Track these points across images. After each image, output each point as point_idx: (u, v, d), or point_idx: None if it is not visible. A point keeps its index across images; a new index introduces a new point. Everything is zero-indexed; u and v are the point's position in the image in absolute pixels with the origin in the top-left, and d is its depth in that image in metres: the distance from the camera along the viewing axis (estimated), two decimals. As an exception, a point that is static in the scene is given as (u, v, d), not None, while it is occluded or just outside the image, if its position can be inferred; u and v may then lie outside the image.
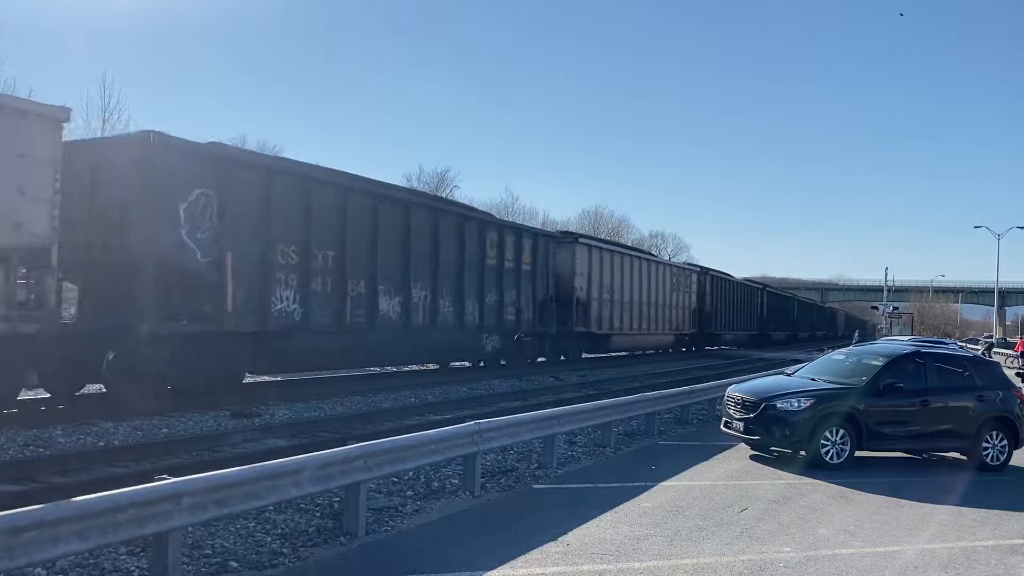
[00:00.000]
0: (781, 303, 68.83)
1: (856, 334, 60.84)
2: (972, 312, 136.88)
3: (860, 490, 9.81)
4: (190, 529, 6.32)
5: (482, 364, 24.82)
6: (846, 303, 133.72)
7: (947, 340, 31.08)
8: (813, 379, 12.44)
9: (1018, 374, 30.07)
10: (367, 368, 21.52)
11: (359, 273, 17.67)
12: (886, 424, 11.55)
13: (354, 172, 20.00)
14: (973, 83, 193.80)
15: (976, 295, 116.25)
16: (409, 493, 8.65)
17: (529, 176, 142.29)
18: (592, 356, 32.36)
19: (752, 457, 11.89)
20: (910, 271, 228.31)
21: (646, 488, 9.37)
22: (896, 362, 12.06)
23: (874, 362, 12.20)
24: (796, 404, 11.38)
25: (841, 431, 11.19)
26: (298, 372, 18.26)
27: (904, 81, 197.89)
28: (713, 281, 46.16)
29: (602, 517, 7.95)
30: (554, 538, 7.11)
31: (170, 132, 13.78)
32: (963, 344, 43.85)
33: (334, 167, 19.97)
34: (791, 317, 72.46)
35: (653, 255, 43.75)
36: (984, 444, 11.83)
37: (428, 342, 20.82)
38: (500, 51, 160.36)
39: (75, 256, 12.56)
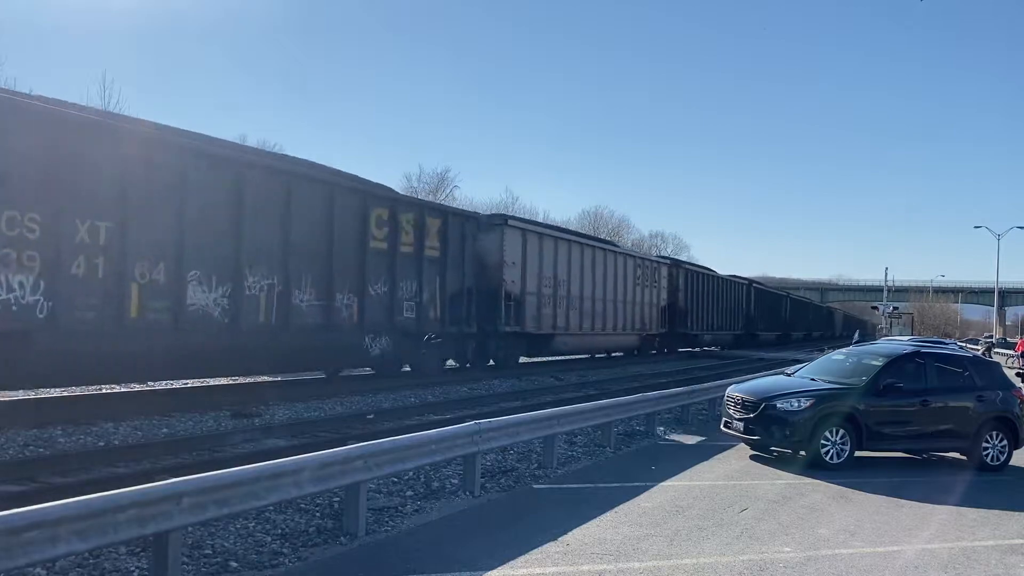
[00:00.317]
0: (771, 301, 64.12)
1: (856, 334, 60.24)
2: (972, 312, 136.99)
3: (860, 490, 9.81)
4: (190, 529, 6.32)
5: (370, 372, 20.21)
6: (846, 303, 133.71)
7: (947, 340, 31.05)
8: (813, 379, 12.44)
9: (1018, 374, 30.07)
10: (181, 380, 16.69)
11: (154, 253, 13.09)
12: (886, 424, 11.55)
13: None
14: (973, 83, 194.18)
15: (976, 295, 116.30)
16: (409, 493, 8.65)
17: (529, 176, 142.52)
18: (534, 361, 28.39)
19: (752, 457, 11.89)
20: (910, 271, 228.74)
21: (646, 488, 9.37)
22: (896, 362, 12.06)
23: (874, 362, 12.20)
24: (796, 404, 11.38)
25: (841, 431, 11.19)
26: (50, 386, 13.77)
27: (904, 81, 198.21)
28: (688, 276, 41.70)
29: (602, 517, 7.95)
30: (554, 538, 7.11)
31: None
32: (963, 344, 43.84)
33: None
34: (782, 316, 67.81)
35: (612, 244, 37.20)
36: (984, 444, 11.83)
37: (275, 345, 15.63)
38: (500, 51, 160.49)
39: None
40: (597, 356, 33.49)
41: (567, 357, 30.95)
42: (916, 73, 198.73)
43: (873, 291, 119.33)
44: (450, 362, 22.97)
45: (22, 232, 11.25)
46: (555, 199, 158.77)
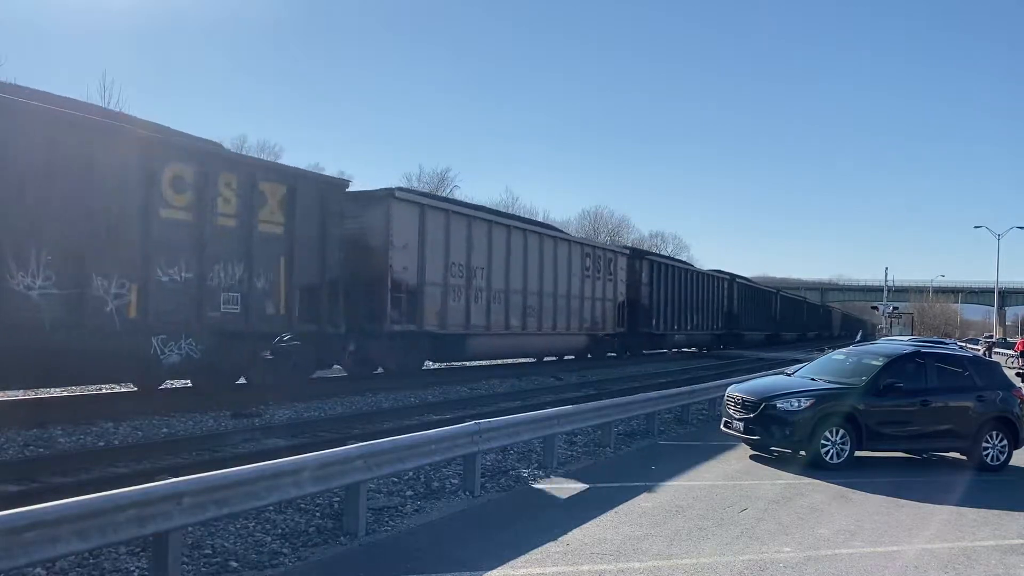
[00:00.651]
0: (758, 298, 58.70)
1: (859, 334, 59.73)
2: (972, 312, 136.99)
3: (860, 490, 9.81)
4: (190, 529, 6.32)
5: (164, 388, 15.65)
6: (846, 303, 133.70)
7: (947, 340, 31.04)
8: (813, 379, 12.44)
9: (1018, 374, 30.07)
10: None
11: None
12: (886, 424, 11.54)
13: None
14: (973, 83, 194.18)
15: (976, 295, 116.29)
16: (409, 493, 8.65)
17: (529, 176, 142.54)
18: (445, 367, 24.07)
19: (752, 457, 11.89)
20: (910, 271, 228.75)
21: (646, 488, 9.37)
22: (896, 362, 12.06)
23: (874, 362, 12.20)
24: (796, 404, 11.38)
25: (841, 431, 11.19)
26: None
27: (904, 81, 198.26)
28: (654, 268, 36.29)
29: (602, 517, 7.95)
30: (554, 538, 7.11)
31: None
32: (963, 344, 43.84)
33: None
34: (772, 315, 62.65)
35: (554, 229, 31.12)
36: (984, 444, 11.82)
37: None
38: (500, 51, 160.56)
39: None
40: (527, 360, 28.95)
41: (494, 362, 26.83)
42: (916, 73, 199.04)
43: (873, 291, 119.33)
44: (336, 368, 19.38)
45: None
46: (555, 199, 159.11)
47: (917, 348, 13.14)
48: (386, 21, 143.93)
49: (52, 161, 11.62)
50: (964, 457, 12.07)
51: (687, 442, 13.38)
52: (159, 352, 13.51)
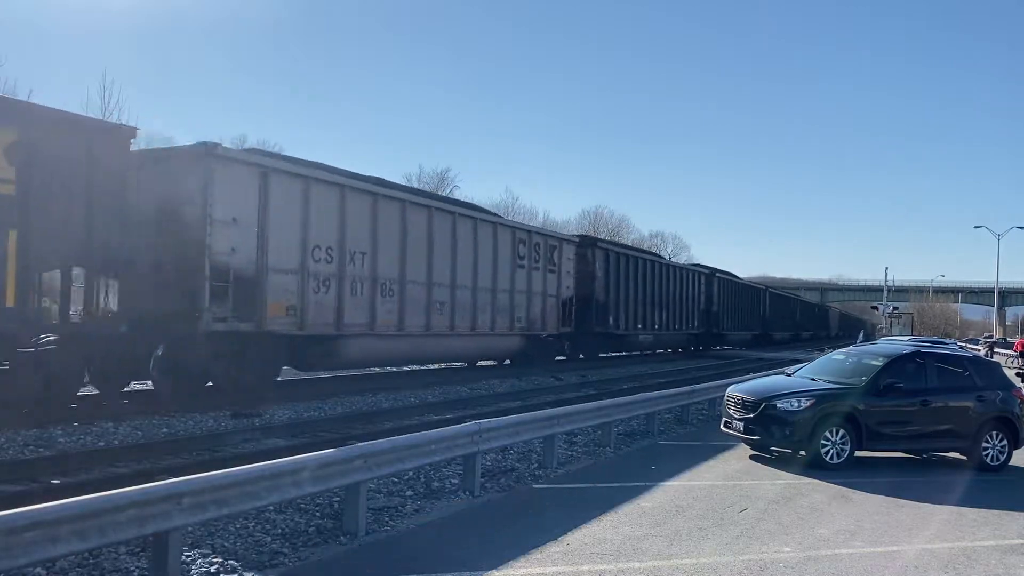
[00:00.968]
0: (744, 296, 53.47)
1: (860, 335, 59.20)
2: (972, 312, 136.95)
3: (860, 490, 9.81)
4: (190, 529, 6.32)
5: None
6: (846, 303, 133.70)
7: (947, 340, 31.03)
8: (813, 379, 12.44)
9: (1018, 374, 30.07)
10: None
11: None
12: (886, 424, 11.54)
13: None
14: (973, 83, 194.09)
15: (976, 295, 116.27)
16: (409, 493, 8.65)
17: (529, 176, 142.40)
18: (313, 378, 19.13)
19: (752, 457, 11.89)
20: (910, 271, 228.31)
21: (646, 488, 9.37)
22: (896, 362, 12.06)
23: (874, 362, 12.20)
24: (796, 404, 11.38)
25: (841, 431, 11.19)
26: None
27: (904, 81, 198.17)
28: (611, 259, 31.43)
29: (602, 517, 7.95)
30: (554, 538, 7.10)
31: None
32: (963, 344, 43.84)
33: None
34: (760, 313, 57.98)
35: (477, 208, 25.38)
36: (984, 444, 11.82)
37: None
38: (500, 51, 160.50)
39: None
40: (439, 365, 24.67)
41: (389, 369, 22.79)
42: (916, 73, 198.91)
43: (873, 291, 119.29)
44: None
45: None
46: (555, 199, 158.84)
47: (917, 348, 13.14)
48: (386, 21, 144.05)
49: None
50: (964, 457, 12.07)
51: (687, 442, 13.38)
52: None
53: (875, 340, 30.37)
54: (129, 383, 14.69)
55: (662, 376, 25.85)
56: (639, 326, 34.13)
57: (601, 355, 32.02)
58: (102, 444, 10.59)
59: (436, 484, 9.08)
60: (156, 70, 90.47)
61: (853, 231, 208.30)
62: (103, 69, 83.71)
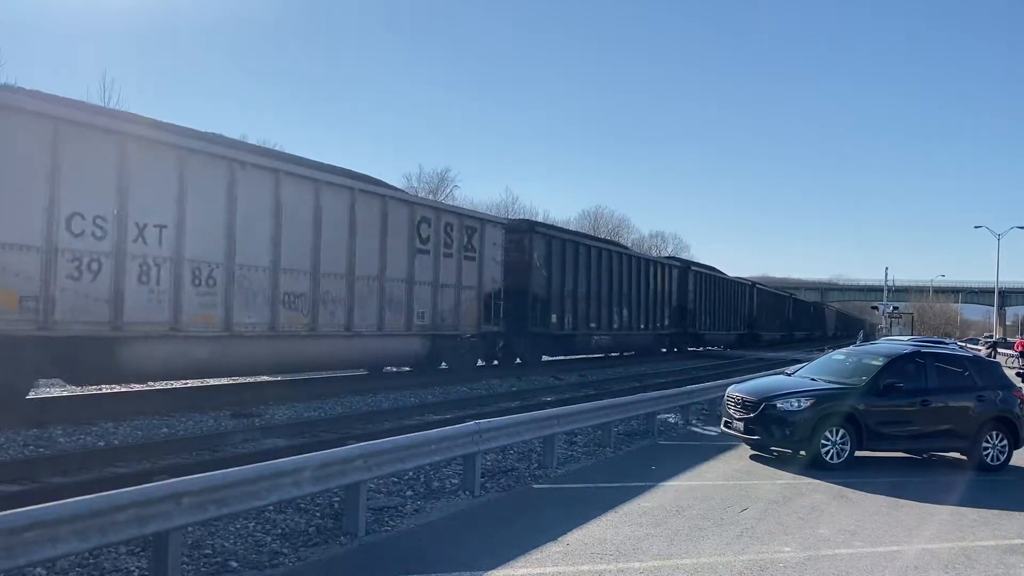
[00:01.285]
0: (726, 292, 48.02)
1: (860, 335, 58.67)
2: (972, 312, 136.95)
3: (860, 490, 9.81)
4: (190, 529, 6.32)
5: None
6: (846, 303, 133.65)
7: (947, 340, 31.00)
8: (813, 379, 12.44)
9: (1018, 374, 30.07)
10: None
11: None
12: (886, 424, 11.54)
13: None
14: (973, 83, 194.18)
15: (976, 295, 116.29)
16: (409, 493, 8.65)
17: (529, 176, 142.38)
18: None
19: (752, 457, 11.89)
20: (910, 271, 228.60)
21: (646, 488, 9.37)
22: (896, 362, 12.06)
23: (874, 362, 12.20)
24: (796, 404, 11.38)
25: (841, 431, 11.19)
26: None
27: (904, 81, 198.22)
28: (554, 248, 26.59)
29: (602, 517, 7.95)
30: (554, 538, 7.10)
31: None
32: (963, 344, 43.83)
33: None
34: (747, 311, 52.93)
35: (357, 177, 18.82)
36: (984, 444, 11.82)
37: None
38: (500, 51, 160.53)
39: None
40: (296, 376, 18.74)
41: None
42: (916, 73, 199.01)
43: (873, 291, 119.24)
44: None
45: None
46: (555, 199, 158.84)
47: (917, 348, 13.14)
48: (386, 21, 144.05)
49: None
50: (964, 457, 12.07)
51: (687, 442, 13.38)
52: None
53: (875, 340, 30.36)
54: None
55: (663, 376, 25.79)
56: (592, 325, 29.21)
57: (546, 359, 27.40)
58: (102, 444, 10.59)
59: (436, 484, 9.08)
60: (156, 70, 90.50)
61: (853, 231, 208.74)
62: (103, 69, 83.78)
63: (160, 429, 11.91)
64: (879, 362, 12.10)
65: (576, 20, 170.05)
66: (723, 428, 12.48)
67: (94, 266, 12.33)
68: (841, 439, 11.18)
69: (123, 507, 4.98)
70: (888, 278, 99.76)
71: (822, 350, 34.95)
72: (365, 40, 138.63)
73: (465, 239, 21.60)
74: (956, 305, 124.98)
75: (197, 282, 13.98)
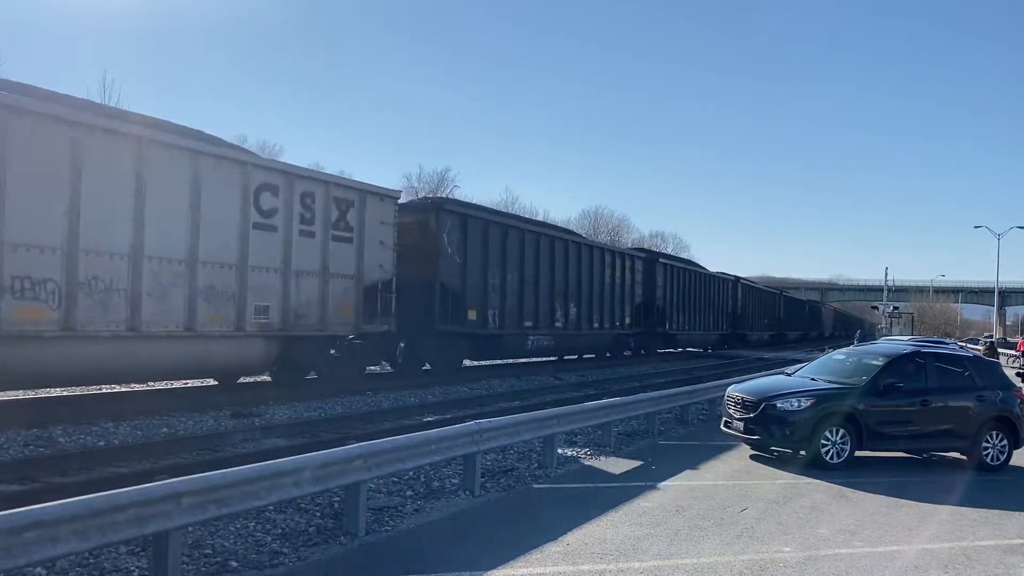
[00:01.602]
0: (707, 288, 43.46)
1: (857, 335, 58.42)
2: (972, 312, 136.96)
3: (860, 490, 9.81)
4: (190, 529, 6.32)
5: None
6: (846, 303, 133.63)
7: (947, 340, 31.02)
8: (813, 379, 12.44)
9: (1018, 374, 30.08)
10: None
11: None
12: (886, 424, 11.54)
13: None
14: (973, 83, 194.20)
15: (976, 295, 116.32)
16: (409, 493, 8.65)
17: (529, 176, 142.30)
18: None
19: (752, 457, 11.89)
20: (910, 271, 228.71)
21: (646, 488, 9.37)
22: (896, 362, 12.06)
23: (874, 362, 12.20)
24: (796, 404, 11.38)
25: (841, 431, 11.19)
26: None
27: (904, 81, 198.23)
28: (469, 229, 21.83)
29: (602, 517, 7.95)
30: (554, 538, 7.11)
31: None
32: (963, 344, 43.81)
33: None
34: (730, 309, 48.22)
35: (207, 138, 15.08)
36: (984, 444, 11.82)
37: None
38: (500, 51, 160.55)
39: None
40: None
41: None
42: (916, 73, 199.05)
43: (873, 291, 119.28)
44: None
45: None
46: (555, 199, 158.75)
47: (917, 348, 13.14)
48: (386, 21, 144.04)
49: None
50: (964, 457, 12.07)
51: (687, 442, 13.38)
52: None
53: (875, 340, 30.34)
54: None
55: (663, 376, 25.75)
56: (528, 324, 24.75)
57: (468, 363, 23.29)
58: (102, 444, 10.59)
59: (436, 484, 9.08)
60: (156, 70, 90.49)
61: (853, 231, 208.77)
62: (103, 69, 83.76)
63: (160, 429, 11.91)
64: (879, 362, 12.11)
65: (576, 20, 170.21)
66: (723, 428, 12.48)
67: None
68: (841, 439, 11.18)
69: (123, 507, 4.98)
70: (888, 278, 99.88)
71: (822, 350, 34.94)
72: (365, 40, 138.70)
73: (336, 215, 17.00)
74: (956, 305, 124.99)
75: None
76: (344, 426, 12.75)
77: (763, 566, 6.63)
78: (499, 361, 25.64)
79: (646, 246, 61.54)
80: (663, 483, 9.73)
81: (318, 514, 7.61)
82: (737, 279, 51.66)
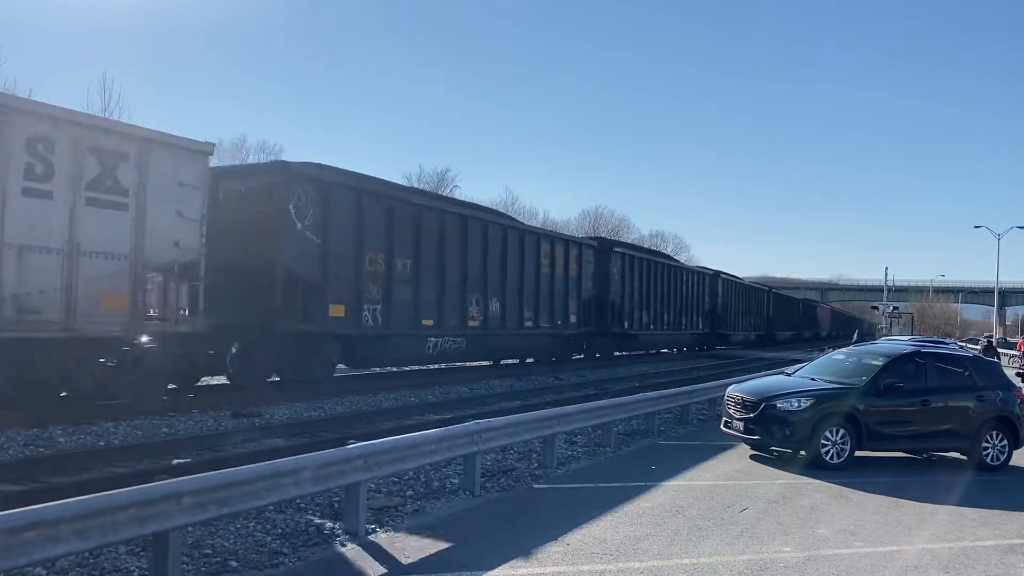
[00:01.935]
0: (680, 283, 38.89)
1: (856, 335, 58.11)
2: (972, 312, 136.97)
3: (860, 490, 9.81)
4: (190, 529, 6.32)
5: None
6: (846, 303, 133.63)
7: (947, 340, 30.98)
8: (813, 379, 12.44)
9: (1018, 374, 30.08)
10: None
11: None
12: (886, 424, 11.55)
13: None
14: (973, 83, 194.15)
15: (976, 295, 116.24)
16: (409, 493, 8.65)
17: (529, 176, 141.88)
18: None
19: (752, 457, 11.89)
20: (910, 271, 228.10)
21: (646, 488, 9.37)
22: (896, 362, 12.06)
23: (874, 362, 12.20)
24: (796, 404, 11.38)
25: (841, 431, 11.19)
26: None
27: (904, 81, 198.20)
28: (332, 199, 16.68)
29: (602, 517, 7.95)
30: (554, 538, 7.10)
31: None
32: (963, 344, 43.81)
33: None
34: (709, 308, 44.05)
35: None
36: (984, 444, 11.82)
37: None
38: (500, 51, 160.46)
39: None
40: None
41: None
42: (916, 73, 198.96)
43: (873, 291, 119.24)
44: None
45: None
46: (555, 199, 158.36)
47: (917, 348, 13.14)
48: (386, 21, 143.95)
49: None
50: (964, 457, 12.07)
51: (687, 442, 13.38)
52: None
53: (874, 340, 30.30)
54: None
55: (663, 376, 25.71)
56: (428, 322, 19.93)
57: (335, 374, 18.32)
58: (102, 444, 10.59)
59: (436, 484, 9.08)
60: (156, 70, 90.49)
61: (853, 231, 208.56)
62: (103, 69, 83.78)
63: (160, 429, 11.91)
64: (879, 362, 12.11)
65: (576, 20, 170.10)
66: (723, 428, 12.48)
67: None
68: (841, 439, 11.18)
69: (123, 507, 4.98)
70: (888, 278, 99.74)
71: (822, 350, 34.96)
72: (365, 40, 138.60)
73: (96, 170, 12.02)
74: (956, 305, 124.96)
75: None
76: (344, 426, 12.75)
77: (763, 566, 6.63)
78: (393, 369, 21.51)
79: (646, 246, 58.10)
80: (663, 483, 9.72)
81: (318, 514, 7.61)
82: (717, 273, 47.00)
